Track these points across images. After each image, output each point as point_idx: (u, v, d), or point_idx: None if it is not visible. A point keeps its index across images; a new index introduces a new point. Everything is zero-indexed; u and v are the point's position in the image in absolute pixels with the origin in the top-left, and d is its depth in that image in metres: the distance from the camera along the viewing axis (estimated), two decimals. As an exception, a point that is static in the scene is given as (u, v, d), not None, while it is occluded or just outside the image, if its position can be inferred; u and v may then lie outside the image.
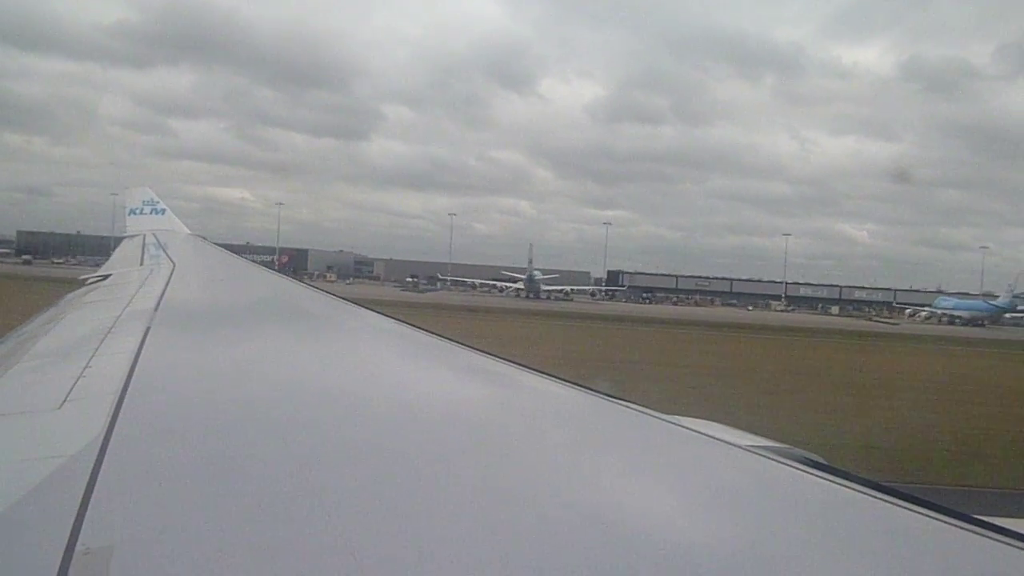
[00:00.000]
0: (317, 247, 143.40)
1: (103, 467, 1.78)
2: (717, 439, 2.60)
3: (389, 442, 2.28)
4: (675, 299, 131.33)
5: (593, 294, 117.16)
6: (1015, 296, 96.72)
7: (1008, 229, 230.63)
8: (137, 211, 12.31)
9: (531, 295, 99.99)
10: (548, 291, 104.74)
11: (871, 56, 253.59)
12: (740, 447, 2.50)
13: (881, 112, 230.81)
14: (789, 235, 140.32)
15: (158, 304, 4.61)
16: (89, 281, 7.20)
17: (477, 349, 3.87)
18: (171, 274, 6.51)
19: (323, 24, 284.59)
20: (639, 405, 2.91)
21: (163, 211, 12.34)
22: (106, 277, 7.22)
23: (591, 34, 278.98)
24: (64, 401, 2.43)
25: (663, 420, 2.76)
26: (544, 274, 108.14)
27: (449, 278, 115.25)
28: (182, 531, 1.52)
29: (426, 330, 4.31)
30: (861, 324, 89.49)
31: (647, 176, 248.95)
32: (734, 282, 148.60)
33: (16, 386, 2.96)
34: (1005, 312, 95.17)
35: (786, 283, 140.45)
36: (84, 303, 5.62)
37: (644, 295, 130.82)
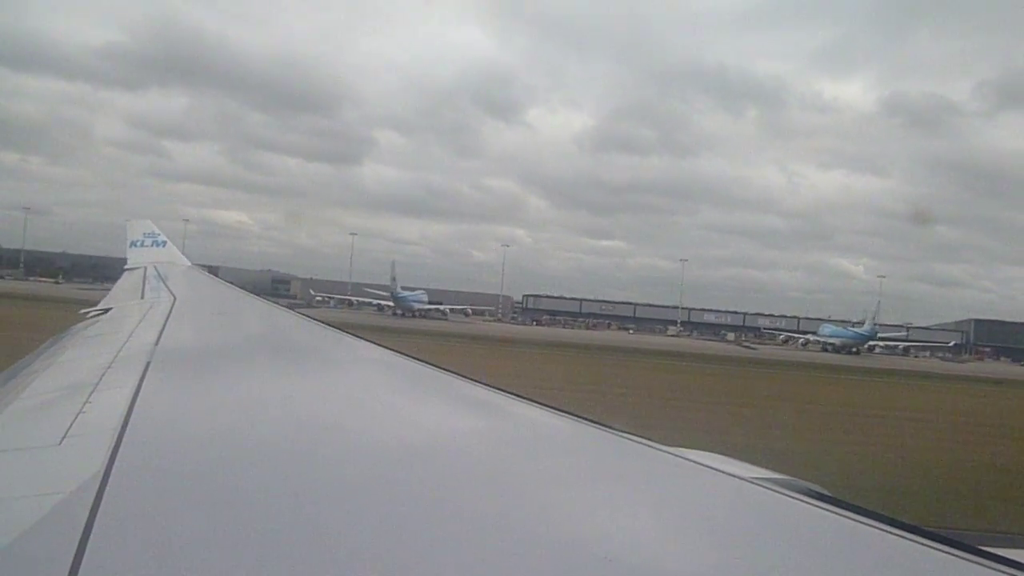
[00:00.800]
0: (247, 266, 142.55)
1: (102, 504, 1.76)
2: (720, 471, 2.57)
3: (391, 480, 2.27)
4: (564, 321, 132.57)
5: (466, 313, 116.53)
6: (875, 324, 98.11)
7: (1002, 266, 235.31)
8: (138, 243, 12.02)
9: (400, 313, 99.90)
10: (422, 309, 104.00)
11: (854, 91, 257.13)
12: (743, 479, 2.48)
13: (866, 147, 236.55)
14: (686, 260, 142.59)
15: (158, 339, 4.50)
16: (90, 315, 6.94)
17: (479, 382, 3.82)
18: (171, 308, 6.33)
19: (311, 49, 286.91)
20: (640, 437, 2.89)
21: (164, 243, 12.10)
22: (107, 311, 6.96)
23: (577, 65, 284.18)
24: (64, 437, 2.40)
25: (665, 452, 2.74)
26: (411, 291, 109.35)
27: (334, 296, 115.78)
28: (181, 569, 1.52)
29: (431, 363, 4.20)
30: (723, 348, 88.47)
31: (640, 207, 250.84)
32: (637, 307, 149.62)
33: (16, 422, 2.93)
34: (868, 340, 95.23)
35: (684, 308, 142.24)
36: (85, 337, 5.43)
37: (535, 318, 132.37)
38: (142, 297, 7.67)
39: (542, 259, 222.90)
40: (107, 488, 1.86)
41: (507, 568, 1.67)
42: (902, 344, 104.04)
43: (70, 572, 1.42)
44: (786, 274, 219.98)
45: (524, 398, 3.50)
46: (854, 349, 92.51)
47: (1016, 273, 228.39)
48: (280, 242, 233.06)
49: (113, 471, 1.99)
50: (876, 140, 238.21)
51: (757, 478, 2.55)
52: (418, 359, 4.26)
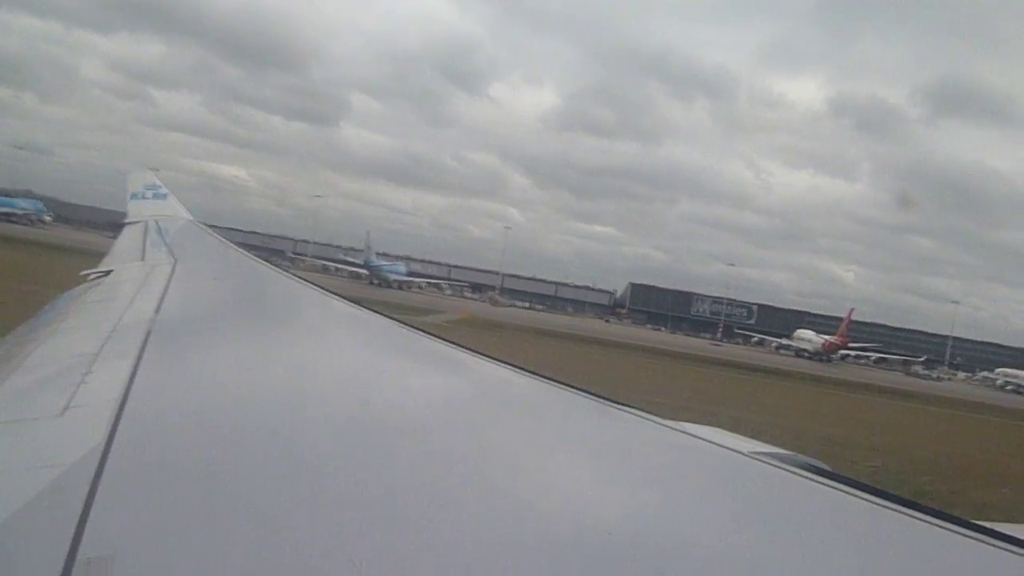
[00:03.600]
0: (242, 226, 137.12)
1: (104, 475, 1.78)
2: (721, 445, 2.60)
3: (395, 453, 2.28)
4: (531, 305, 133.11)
5: (440, 287, 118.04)
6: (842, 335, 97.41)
7: (988, 284, 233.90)
8: (139, 196, 12.03)
9: (377, 283, 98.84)
10: (399, 281, 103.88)
11: (805, 89, 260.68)
12: (744, 454, 2.51)
13: (823, 147, 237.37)
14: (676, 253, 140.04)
15: (159, 306, 4.52)
16: (91, 277, 7.07)
17: (484, 355, 3.80)
18: (172, 270, 6.41)
19: (277, 3, 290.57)
20: (641, 410, 2.90)
21: (165, 195, 12.09)
22: (107, 273, 7.09)
23: (538, 42, 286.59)
24: (65, 408, 2.42)
25: (665, 425, 2.76)
26: (388, 262, 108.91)
27: (303, 256, 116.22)
28: (183, 540, 1.55)
29: (440, 337, 4.17)
30: (686, 343, 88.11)
31: (618, 193, 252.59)
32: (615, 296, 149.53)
33: (17, 393, 2.96)
34: (837, 348, 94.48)
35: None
36: (85, 303, 5.48)
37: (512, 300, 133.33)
38: (143, 259, 7.66)
39: (537, 240, 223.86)
40: (108, 460, 1.88)
41: (506, 542, 1.71)
42: (874, 355, 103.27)
43: (72, 544, 1.44)
44: (781, 275, 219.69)
45: (524, 370, 3.52)
46: (825, 357, 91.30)
47: (1000, 291, 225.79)
48: (280, 201, 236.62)
49: (114, 443, 2.01)
50: (829, 140, 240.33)
51: (757, 452, 2.58)
52: (429, 333, 4.24)
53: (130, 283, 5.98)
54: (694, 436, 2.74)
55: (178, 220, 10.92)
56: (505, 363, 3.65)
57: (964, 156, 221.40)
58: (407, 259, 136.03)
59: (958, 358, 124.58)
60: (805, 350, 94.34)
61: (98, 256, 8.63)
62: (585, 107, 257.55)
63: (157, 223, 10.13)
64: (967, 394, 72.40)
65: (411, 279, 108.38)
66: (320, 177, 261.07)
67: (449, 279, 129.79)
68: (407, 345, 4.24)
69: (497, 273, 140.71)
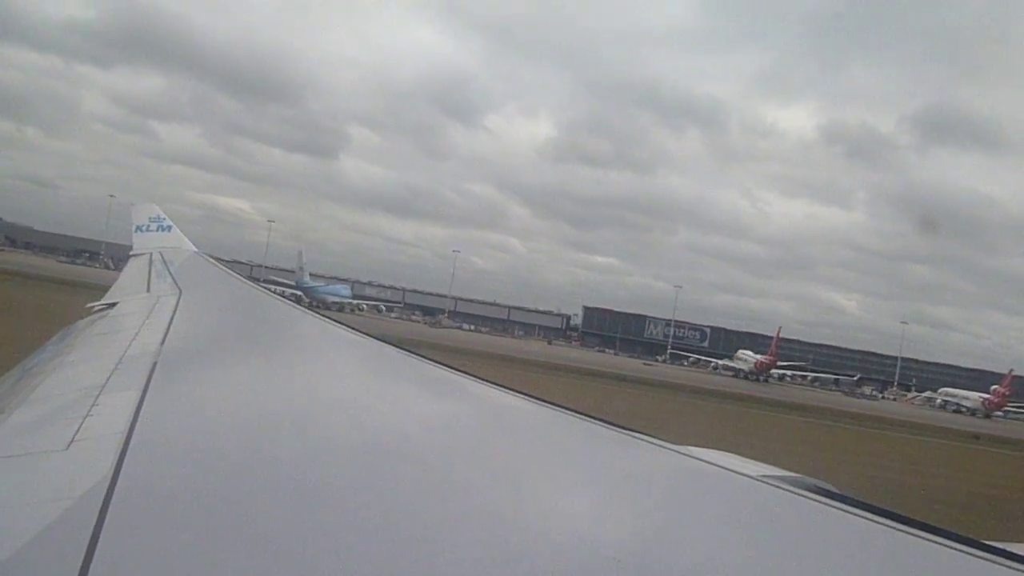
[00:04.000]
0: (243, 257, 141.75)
1: (110, 508, 1.79)
2: (728, 469, 2.59)
3: (402, 481, 2.28)
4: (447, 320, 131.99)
5: (379, 309, 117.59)
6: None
7: (987, 311, 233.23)
8: (144, 228, 11.96)
9: (316, 306, 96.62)
10: (339, 302, 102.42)
11: (795, 118, 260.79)
12: (752, 477, 2.50)
13: (816, 176, 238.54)
14: (680, 287, 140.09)
15: (164, 338, 4.51)
16: (95, 309, 6.96)
17: (490, 382, 3.79)
18: (177, 302, 6.33)
19: (273, 38, 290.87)
20: (648, 435, 2.89)
21: (169, 228, 12.02)
22: (112, 305, 6.95)
23: (530, 74, 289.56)
24: (71, 441, 2.42)
25: (672, 450, 2.76)
26: (326, 282, 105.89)
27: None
28: (191, 573, 1.55)
29: (446, 365, 4.15)
30: (617, 363, 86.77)
31: (616, 222, 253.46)
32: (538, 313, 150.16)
33: (23, 425, 2.96)
34: (768, 367, 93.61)
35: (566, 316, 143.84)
36: (91, 336, 5.43)
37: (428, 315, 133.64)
38: (148, 290, 7.61)
39: (540, 271, 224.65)
40: (115, 493, 1.88)
41: (513, 568, 1.70)
42: (810, 375, 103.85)
43: None
44: (783, 304, 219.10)
45: (529, 395, 3.51)
46: (761, 377, 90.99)
47: (997, 319, 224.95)
48: (283, 234, 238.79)
49: (121, 476, 2.00)
50: (823, 168, 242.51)
51: (765, 476, 2.58)
52: (439, 363, 4.20)
53: (135, 315, 5.93)
54: (702, 460, 2.71)
55: (183, 252, 10.91)
56: (511, 390, 3.64)
57: (956, 183, 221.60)
58: (364, 283, 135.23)
59: (913, 379, 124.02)
60: (741, 370, 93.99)
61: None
62: (580, 138, 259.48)
63: (162, 255, 10.14)
64: (899, 413, 71.43)
65: (351, 301, 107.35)
66: (322, 209, 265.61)
67: (402, 303, 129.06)
68: (413, 373, 4.22)
69: (449, 297, 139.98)
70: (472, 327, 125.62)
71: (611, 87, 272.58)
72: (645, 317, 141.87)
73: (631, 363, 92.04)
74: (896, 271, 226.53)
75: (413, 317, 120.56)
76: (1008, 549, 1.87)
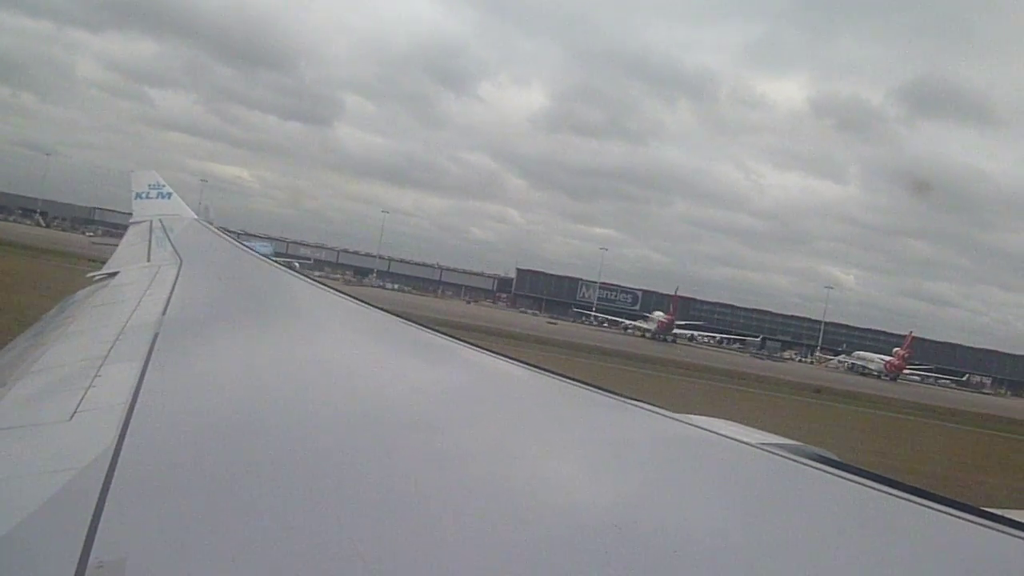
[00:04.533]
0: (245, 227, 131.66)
1: (115, 479, 1.80)
2: (729, 437, 2.63)
3: (405, 450, 2.30)
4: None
5: (293, 266, 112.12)
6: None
7: (986, 288, 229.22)
8: (143, 195, 11.97)
9: None
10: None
11: (787, 90, 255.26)
12: (753, 445, 2.52)
13: (809, 149, 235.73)
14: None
15: (165, 308, 4.54)
16: (96, 278, 7.07)
17: (493, 352, 3.84)
18: (178, 271, 6.38)
19: (265, 3, 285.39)
20: (650, 404, 2.92)
21: (169, 195, 12.08)
22: (113, 274, 7.05)
23: (523, 42, 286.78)
24: (74, 412, 2.44)
25: (673, 418, 2.79)
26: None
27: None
28: (195, 543, 1.56)
29: (449, 335, 4.21)
30: (522, 321, 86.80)
31: (611, 194, 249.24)
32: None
33: (26, 397, 2.97)
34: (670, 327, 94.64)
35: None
36: (91, 306, 5.48)
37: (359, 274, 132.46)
38: (148, 259, 7.61)
39: (538, 241, 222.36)
40: (119, 463, 1.89)
41: (516, 535, 1.72)
42: (718, 336, 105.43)
43: (84, 548, 1.46)
44: (782, 279, 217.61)
45: (532, 365, 3.53)
46: (667, 338, 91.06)
47: (994, 295, 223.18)
48: (282, 202, 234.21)
49: (124, 446, 2.02)
50: (815, 141, 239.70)
51: (766, 444, 2.58)
52: (442, 333, 4.26)
53: (136, 285, 5.90)
54: (702, 428, 2.74)
55: (183, 219, 10.89)
56: (514, 360, 3.68)
57: (950, 157, 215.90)
58: (299, 243, 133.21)
59: (844, 344, 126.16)
60: (648, 330, 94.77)
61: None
62: (573, 108, 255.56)
63: (162, 222, 10.13)
64: (790, 373, 71.95)
65: (272, 258, 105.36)
66: (321, 178, 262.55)
67: (335, 262, 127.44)
68: (415, 342, 4.25)
69: (380, 257, 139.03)
70: (397, 287, 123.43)
71: (603, 57, 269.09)
72: (578, 280, 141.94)
73: (536, 322, 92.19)
74: (893, 246, 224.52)
75: (335, 275, 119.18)
76: (1007, 516, 1.89)
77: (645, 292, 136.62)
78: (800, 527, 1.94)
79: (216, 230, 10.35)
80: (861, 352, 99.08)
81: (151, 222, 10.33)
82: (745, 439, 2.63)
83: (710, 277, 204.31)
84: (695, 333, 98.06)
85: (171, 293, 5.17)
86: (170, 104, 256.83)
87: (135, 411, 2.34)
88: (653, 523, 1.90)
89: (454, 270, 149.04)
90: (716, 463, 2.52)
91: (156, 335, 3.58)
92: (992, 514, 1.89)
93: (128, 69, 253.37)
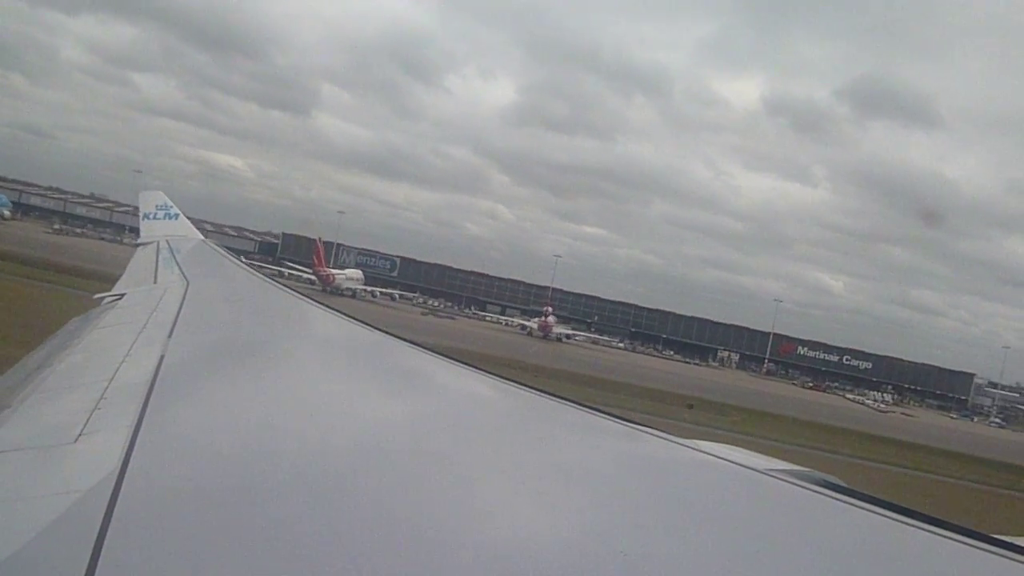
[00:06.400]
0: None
1: (119, 502, 1.80)
2: (736, 463, 2.63)
3: (411, 475, 2.32)
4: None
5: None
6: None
7: (965, 297, 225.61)
8: (151, 216, 12.02)
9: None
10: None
11: (743, 89, 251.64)
12: (760, 471, 2.52)
13: (768, 149, 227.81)
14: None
15: (171, 331, 4.57)
16: (105, 301, 7.01)
17: (501, 376, 3.87)
18: (185, 293, 6.39)
19: None
20: (658, 430, 2.94)
21: (176, 216, 12.12)
22: (121, 296, 7.02)
23: (489, 35, 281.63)
24: (79, 435, 2.44)
25: (680, 444, 2.79)
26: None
27: None
28: (199, 567, 1.56)
29: (458, 360, 4.22)
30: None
31: (590, 191, 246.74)
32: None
33: (31, 419, 2.97)
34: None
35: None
36: (99, 328, 5.46)
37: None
38: (155, 281, 7.56)
39: (531, 239, 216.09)
40: (123, 487, 1.89)
41: (520, 561, 1.72)
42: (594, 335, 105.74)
43: (86, 572, 1.45)
44: (773, 284, 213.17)
45: (537, 389, 3.53)
46: (552, 335, 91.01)
47: (969, 302, 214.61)
48: (278, 192, 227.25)
49: (129, 469, 2.01)
50: (772, 141, 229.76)
51: (773, 470, 2.59)
52: (450, 358, 4.24)
53: (143, 307, 5.88)
54: (709, 454, 2.74)
55: (190, 240, 10.85)
56: (521, 384, 3.70)
57: (915, 162, 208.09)
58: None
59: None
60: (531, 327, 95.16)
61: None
62: (539, 102, 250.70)
63: (169, 243, 10.09)
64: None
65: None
66: (310, 168, 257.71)
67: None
68: (422, 367, 4.28)
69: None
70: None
71: (563, 51, 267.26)
72: (341, 246, 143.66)
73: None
74: (870, 251, 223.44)
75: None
76: (1019, 544, 1.88)
77: (403, 259, 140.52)
78: (807, 554, 1.93)
79: (223, 252, 10.33)
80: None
81: (158, 243, 10.30)
82: (753, 465, 2.62)
83: (700, 279, 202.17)
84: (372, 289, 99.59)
85: (177, 315, 5.21)
86: (154, 89, 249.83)
87: (140, 434, 2.33)
88: (661, 550, 1.88)
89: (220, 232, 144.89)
90: (724, 490, 2.51)
91: (162, 358, 3.59)
92: (1004, 542, 1.87)
93: (109, 53, 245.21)
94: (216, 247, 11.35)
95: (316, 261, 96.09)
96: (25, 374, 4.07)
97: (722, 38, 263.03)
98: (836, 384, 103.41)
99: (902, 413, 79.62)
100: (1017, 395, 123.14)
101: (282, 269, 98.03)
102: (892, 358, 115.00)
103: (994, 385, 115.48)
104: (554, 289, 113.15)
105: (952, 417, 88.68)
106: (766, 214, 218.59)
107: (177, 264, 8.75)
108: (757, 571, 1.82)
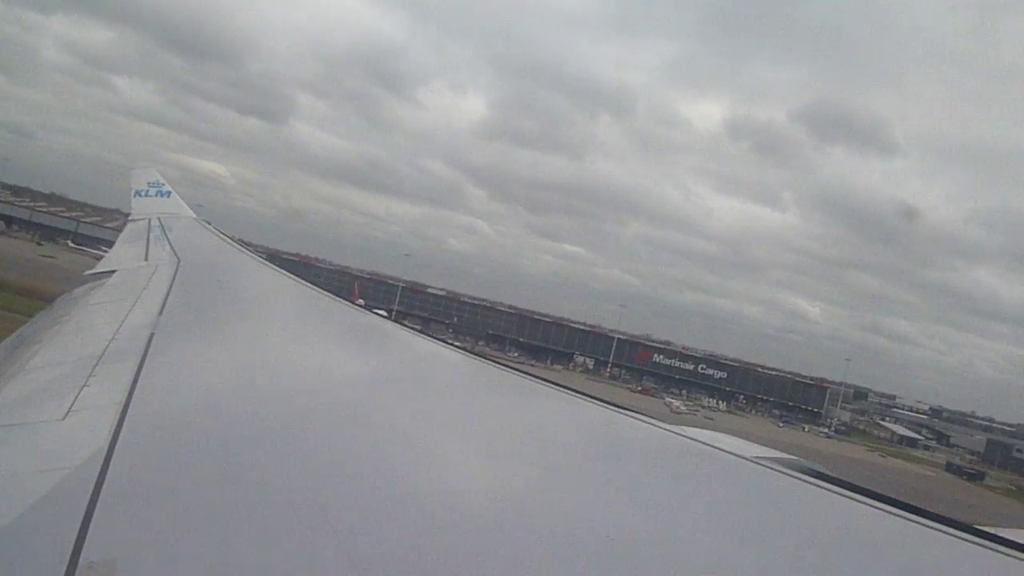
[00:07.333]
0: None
1: (107, 478, 1.82)
2: (723, 451, 2.65)
3: (401, 454, 2.33)
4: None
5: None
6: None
7: (945, 329, 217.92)
8: (142, 193, 11.80)
9: None
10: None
11: (707, 112, 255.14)
12: (746, 459, 2.54)
13: (734, 172, 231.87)
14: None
15: (162, 308, 4.57)
16: (93, 276, 7.16)
17: (488, 360, 3.91)
18: (176, 271, 6.42)
19: None
20: (646, 416, 2.96)
21: (168, 193, 11.94)
22: (110, 273, 7.06)
23: (458, 51, 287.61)
24: (68, 412, 2.45)
25: (667, 431, 2.81)
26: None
27: None
28: (186, 543, 1.58)
29: (444, 341, 4.31)
30: None
31: (566, 209, 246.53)
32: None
33: (20, 395, 2.98)
34: None
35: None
36: (88, 305, 5.50)
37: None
38: (146, 258, 7.41)
39: (512, 256, 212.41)
40: (111, 463, 1.90)
41: (509, 544, 1.75)
42: None
43: (74, 548, 1.47)
44: (753, 308, 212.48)
45: (528, 375, 3.55)
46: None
47: (949, 334, 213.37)
48: (261, 200, 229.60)
49: (117, 446, 2.03)
50: (735, 164, 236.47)
51: (760, 458, 2.62)
52: (431, 337, 4.30)
53: (133, 284, 5.86)
54: (696, 441, 2.75)
55: (182, 218, 10.71)
56: (512, 369, 3.71)
57: (882, 190, 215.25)
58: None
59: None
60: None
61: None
62: (508, 117, 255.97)
63: (160, 221, 10.02)
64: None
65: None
66: (290, 177, 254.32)
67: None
68: (408, 347, 4.28)
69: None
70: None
71: (531, 68, 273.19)
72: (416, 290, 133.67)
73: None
74: (841, 278, 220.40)
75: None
76: (1001, 535, 1.90)
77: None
78: (794, 540, 1.95)
79: (215, 230, 9.96)
80: None
81: (149, 220, 10.04)
82: (741, 452, 2.62)
83: (680, 301, 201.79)
84: None
85: (168, 293, 5.13)
86: (132, 92, 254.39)
87: (129, 411, 2.33)
88: (645, 534, 1.90)
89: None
90: (710, 476, 2.51)
91: (152, 335, 3.56)
92: (986, 532, 1.90)
93: (87, 55, 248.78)
94: (208, 225, 10.80)
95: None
96: (14, 349, 4.16)
97: (684, 59, 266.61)
98: (675, 390, 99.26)
99: (704, 417, 75.43)
100: (925, 417, 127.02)
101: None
102: (749, 368, 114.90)
103: (906, 408, 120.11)
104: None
105: (779, 425, 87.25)
106: (739, 237, 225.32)
107: (168, 242, 8.57)
108: (742, 558, 1.83)
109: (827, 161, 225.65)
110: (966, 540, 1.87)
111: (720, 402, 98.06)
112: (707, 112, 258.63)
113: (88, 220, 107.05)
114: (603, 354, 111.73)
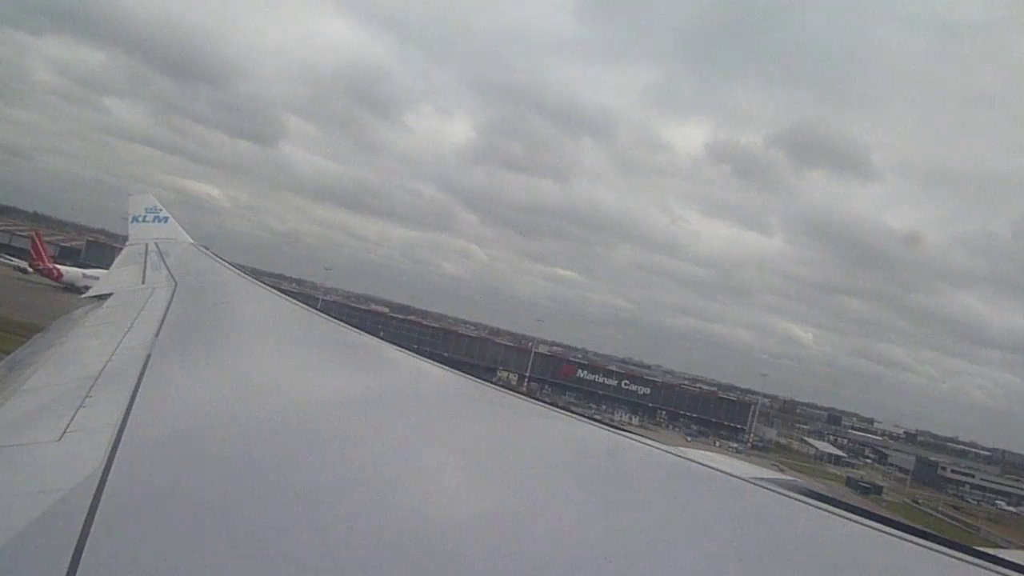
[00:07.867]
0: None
1: (102, 500, 1.81)
2: (720, 471, 2.63)
3: (392, 480, 2.32)
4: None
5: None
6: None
7: (934, 354, 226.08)
8: (140, 218, 11.82)
9: None
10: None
11: (689, 136, 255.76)
12: (743, 479, 2.54)
13: (720, 196, 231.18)
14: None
15: (159, 330, 4.54)
16: (90, 294, 7.21)
17: (484, 381, 3.87)
18: (172, 294, 6.37)
19: (194, 19, 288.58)
20: (642, 437, 2.94)
21: (166, 219, 11.87)
22: (107, 296, 6.98)
23: (442, 74, 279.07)
24: (64, 433, 2.44)
25: (664, 451, 2.80)
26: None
27: None
28: (182, 567, 1.58)
29: (442, 364, 4.25)
30: None
31: (556, 233, 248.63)
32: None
33: (16, 416, 2.96)
34: None
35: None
36: (85, 327, 5.46)
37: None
38: (143, 282, 7.41)
39: (506, 279, 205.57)
40: (107, 485, 1.90)
41: (503, 565, 1.73)
42: None
43: (68, 570, 1.47)
44: (744, 332, 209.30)
45: (525, 396, 3.57)
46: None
47: (940, 360, 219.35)
48: (256, 223, 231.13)
49: (113, 468, 2.02)
50: (718, 188, 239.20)
51: (757, 478, 2.62)
52: (428, 359, 4.25)
53: (130, 306, 5.83)
54: (693, 461, 2.74)
55: (179, 243, 10.64)
56: (506, 390, 3.74)
57: (869, 216, 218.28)
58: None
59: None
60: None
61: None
62: (495, 141, 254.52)
63: (158, 245, 9.96)
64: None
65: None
66: (284, 200, 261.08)
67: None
68: (408, 371, 4.27)
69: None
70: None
71: (516, 92, 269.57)
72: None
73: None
74: (830, 303, 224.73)
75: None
76: (1000, 556, 1.89)
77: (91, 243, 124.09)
78: (788, 562, 1.94)
79: (212, 255, 9.93)
80: None
81: (146, 245, 9.98)
82: (737, 473, 2.61)
83: (674, 325, 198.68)
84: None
85: (164, 315, 5.10)
86: (124, 114, 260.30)
87: (125, 433, 2.32)
88: (644, 556, 1.89)
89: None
90: (706, 497, 2.50)
91: (148, 357, 3.54)
92: (987, 554, 1.89)
93: (78, 76, 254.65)
94: (206, 250, 10.70)
95: (35, 255, 74.60)
96: (10, 370, 4.08)
97: (665, 84, 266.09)
98: (593, 405, 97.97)
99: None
100: (879, 438, 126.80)
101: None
102: (672, 385, 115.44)
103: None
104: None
105: (687, 440, 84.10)
106: (728, 261, 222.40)
107: (166, 266, 8.54)
108: None
109: (809, 186, 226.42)
110: (968, 563, 1.86)
111: (633, 417, 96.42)
112: (688, 135, 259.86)
113: (23, 234, 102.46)
114: (524, 369, 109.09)
